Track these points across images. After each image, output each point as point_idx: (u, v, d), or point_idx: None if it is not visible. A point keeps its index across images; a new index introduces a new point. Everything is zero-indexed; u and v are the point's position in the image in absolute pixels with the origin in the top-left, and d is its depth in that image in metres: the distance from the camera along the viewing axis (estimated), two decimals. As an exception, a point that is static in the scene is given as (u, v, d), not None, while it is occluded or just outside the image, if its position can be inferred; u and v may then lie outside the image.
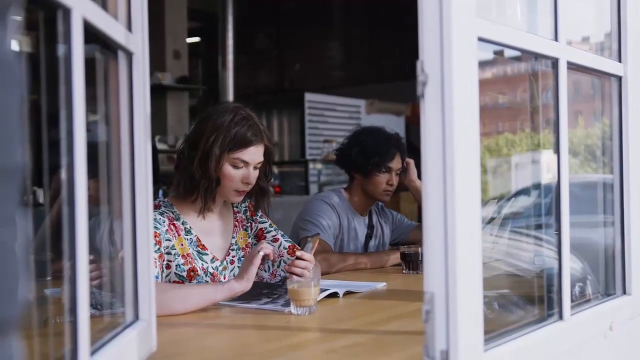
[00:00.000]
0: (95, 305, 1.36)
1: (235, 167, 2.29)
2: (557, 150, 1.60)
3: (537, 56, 1.63)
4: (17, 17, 0.63)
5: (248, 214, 2.52)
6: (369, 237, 3.24)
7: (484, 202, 1.35)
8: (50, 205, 1.63)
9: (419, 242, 3.06)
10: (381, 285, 2.45)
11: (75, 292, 1.04)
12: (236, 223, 2.48)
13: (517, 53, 1.64)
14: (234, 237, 2.45)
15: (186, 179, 2.30)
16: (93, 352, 1.14)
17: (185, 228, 2.32)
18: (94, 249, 1.19)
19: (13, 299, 0.61)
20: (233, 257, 2.43)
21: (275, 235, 2.50)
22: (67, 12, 1.01)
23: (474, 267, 1.25)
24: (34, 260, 1.25)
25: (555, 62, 1.58)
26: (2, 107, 0.59)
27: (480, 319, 1.27)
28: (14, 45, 0.62)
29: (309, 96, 8.29)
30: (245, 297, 2.12)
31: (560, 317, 1.58)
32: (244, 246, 2.47)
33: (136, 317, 1.43)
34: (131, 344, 1.34)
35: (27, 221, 0.64)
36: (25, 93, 0.62)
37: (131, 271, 1.43)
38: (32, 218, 0.86)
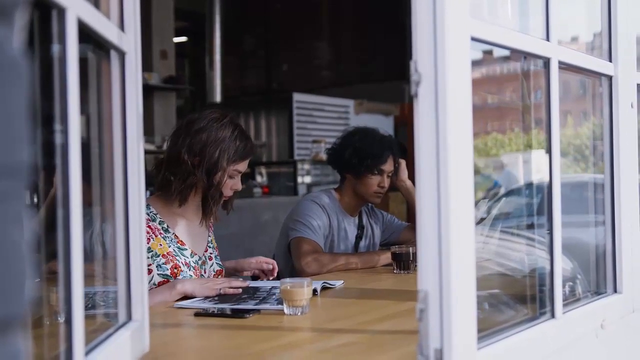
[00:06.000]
0: (87, 305, 1.35)
1: (231, 177, 2.40)
2: (548, 150, 1.60)
3: (529, 56, 1.64)
4: (22, 17, 0.63)
5: (213, 221, 2.62)
6: (359, 237, 3.24)
7: (474, 202, 1.35)
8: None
9: (409, 242, 3.07)
10: (339, 284, 2.46)
11: (70, 293, 1.04)
12: (210, 224, 2.58)
13: (506, 52, 1.64)
14: (210, 236, 2.56)
15: (188, 187, 2.36)
16: (87, 353, 1.13)
17: (162, 227, 2.38)
18: (85, 250, 1.18)
19: (20, 297, 0.61)
20: (210, 253, 2.53)
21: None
22: (61, 11, 1.01)
23: (467, 265, 1.26)
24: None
25: (547, 62, 1.59)
26: (10, 106, 0.59)
27: (474, 317, 1.27)
28: (20, 45, 0.62)
29: (297, 96, 8.28)
30: (236, 299, 2.13)
31: (552, 316, 1.59)
32: (216, 246, 2.59)
33: (129, 317, 1.43)
34: (124, 344, 1.34)
35: (32, 219, 0.64)
36: (30, 92, 0.62)
37: (124, 272, 1.42)
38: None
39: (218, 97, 8.74)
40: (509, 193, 2.52)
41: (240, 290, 2.23)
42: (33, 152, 0.63)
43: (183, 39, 10.45)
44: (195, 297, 2.17)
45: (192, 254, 2.42)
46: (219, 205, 2.46)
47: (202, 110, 2.45)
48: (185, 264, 2.36)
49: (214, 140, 2.34)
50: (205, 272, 2.46)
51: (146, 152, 6.69)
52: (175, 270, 2.32)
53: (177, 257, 2.35)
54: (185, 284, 2.18)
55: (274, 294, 2.18)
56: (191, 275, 2.36)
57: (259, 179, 7.62)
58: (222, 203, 2.49)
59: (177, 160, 2.34)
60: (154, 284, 2.27)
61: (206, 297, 2.16)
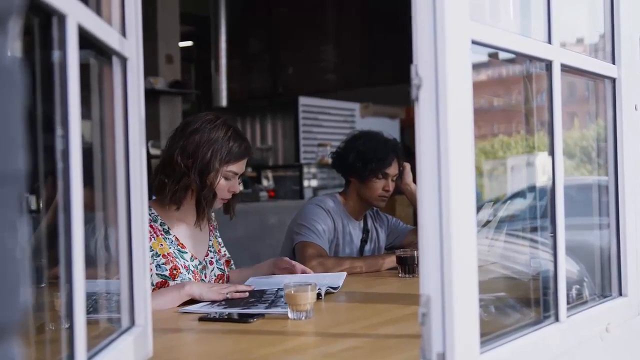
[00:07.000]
0: (89, 310, 1.36)
1: (227, 178, 2.40)
2: (551, 152, 1.60)
3: (531, 59, 1.64)
4: (17, 24, 0.63)
5: (215, 223, 2.63)
6: (364, 241, 3.23)
7: (480, 205, 1.35)
8: (46, 211, 1.62)
9: (414, 245, 3.06)
10: (342, 278, 2.48)
11: (72, 298, 1.04)
12: (211, 228, 2.59)
13: (511, 55, 1.64)
14: (210, 240, 2.56)
15: (182, 189, 2.36)
16: (89, 358, 1.13)
17: (163, 229, 2.39)
18: (88, 256, 1.18)
19: (15, 303, 0.61)
20: (211, 258, 2.53)
21: (222, 249, 2.64)
22: (62, 18, 1.01)
23: (469, 269, 1.25)
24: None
25: (549, 65, 1.58)
26: (4, 113, 0.59)
27: (477, 321, 1.27)
28: (15, 52, 0.62)
29: (302, 100, 8.28)
30: (244, 303, 2.13)
31: (557, 319, 1.58)
32: (218, 250, 2.58)
33: (132, 323, 1.43)
34: (127, 349, 1.34)
35: (27, 226, 0.65)
36: (26, 99, 0.63)
37: (127, 277, 1.42)
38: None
39: (224, 101, 8.73)
40: (515, 195, 2.51)
41: (247, 294, 2.23)
42: (31, 158, 0.63)
43: (189, 43, 10.45)
44: (202, 301, 2.17)
45: (192, 258, 2.42)
46: (212, 207, 2.45)
47: (197, 114, 2.47)
48: (185, 267, 2.36)
49: (206, 141, 2.34)
50: (205, 277, 2.46)
51: (153, 156, 6.72)
52: (175, 272, 2.32)
53: (177, 259, 2.35)
54: (192, 287, 2.18)
55: (282, 296, 2.18)
56: (190, 279, 2.35)
57: (265, 182, 7.62)
58: (224, 207, 2.49)
59: (170, 163, 2.36)
60: (152, 284, 2.27)
61: (213, 302, 2.16)
